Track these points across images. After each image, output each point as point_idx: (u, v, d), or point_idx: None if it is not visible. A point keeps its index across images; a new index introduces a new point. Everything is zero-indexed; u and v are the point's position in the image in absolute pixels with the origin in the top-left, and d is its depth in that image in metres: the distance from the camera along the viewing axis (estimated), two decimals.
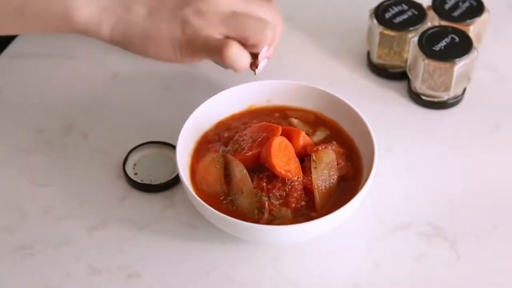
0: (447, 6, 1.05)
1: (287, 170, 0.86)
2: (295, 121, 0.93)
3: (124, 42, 0.77)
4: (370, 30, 1.05)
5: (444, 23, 1.03)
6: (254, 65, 0.96)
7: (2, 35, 0.78)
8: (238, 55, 0.76)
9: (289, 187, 0.86)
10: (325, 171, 0.87)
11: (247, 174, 0.86)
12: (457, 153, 0.98)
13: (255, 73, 0.93)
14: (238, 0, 0.75)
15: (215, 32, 0.75)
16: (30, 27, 0.76)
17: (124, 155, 0.95)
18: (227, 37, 0.77)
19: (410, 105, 1.03)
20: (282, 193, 0.86)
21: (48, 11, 0.73)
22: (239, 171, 0.86)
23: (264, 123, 0.91)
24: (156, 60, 0.78)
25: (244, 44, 0.77)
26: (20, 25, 0.76)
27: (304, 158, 0.88)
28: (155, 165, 0.96)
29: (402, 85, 1.05)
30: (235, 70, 0.77)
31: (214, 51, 0.75)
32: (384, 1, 1.05)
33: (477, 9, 1.05)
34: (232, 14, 0.75)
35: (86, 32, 0.76)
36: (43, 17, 0.74)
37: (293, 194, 0.86)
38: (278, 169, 0.85)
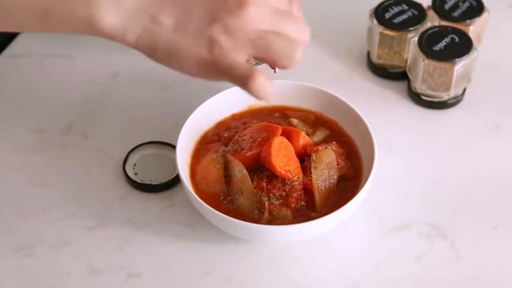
0: (447, 6, 1.05)
1: (287, 170, 0.86)
2: (295, 121, 0.93)
3: (149, 52, 0.74)
4: (370, 30, 1.05)
5: (444, 23, 1.04)
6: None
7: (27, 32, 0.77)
8: (263, 86, 0.72)
9: (289, 187, 0.86)
10: (325, 171, 0.87)
11: (247, 174, 0.86)
12: (457, 153, 0.98)
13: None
14: (269, 17, 0.72)
15: (242, 53, 0.72)
16: (55, 29, 0.75)
17: (124, 155, 0.96)
18: (255, 58, 0.74)
19: (410, 105, 1.03)
20: (282, 193, 0.86)
21: (73, 18, 0.71)
22: (239, 171, 0.86)
23: (264, 123, 0.91)
24: (180, 72, 0.76)
25: (273, 62, 0.74)
26: (45, 28, 0.74)
27: (304, 158, 0.88)
28: (155, 165, 0.96)
29: (402, 85, 1.05)
30: (257, 99, 0.74)
31: (239, 79, 0.72)
32: (384, 1, 1.05)
33: (477, 9, 1.05)
34: (262, 34, 0.72)
35: (111, 38, 0.74)
36: (67, 23, 0.72)
37: (293, 194, 0.86)
38: (278, 169, 0.85)
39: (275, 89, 0.73)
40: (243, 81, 0.71)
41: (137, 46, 0.74)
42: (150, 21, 0.72)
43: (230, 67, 0.71)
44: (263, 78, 0.72)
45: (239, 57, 0.72)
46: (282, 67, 0.74)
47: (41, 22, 0.73)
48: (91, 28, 0.73)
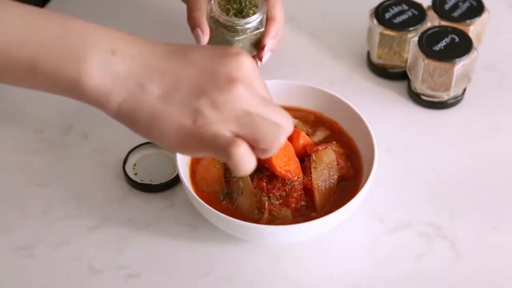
0: (447, 6, 1.05)
1: (287, 170, 0.86)
2: (295, 121, 0.93)
3: (130, 119, 0.73)
4: (370, 30, 1.05)
5: (444, 23, 1.03)
6: (258, 57, 0.97)
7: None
8: (245, 157, 0.70)
9: (289, 187, 0.86)
10: (325, 171, 0.87)
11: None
12: (457, 153, 0.98)
13: (261, 62, 0.94)
14: (256, 100, 0.72)
15: (226, 128, 0.71)
16: (39, 85, 0.73)
17: (124, 155, 0.96)
18: (238, 137, 0.72)
19: (410, 105, 1.03)
20: (282, 193, 0.86)
21: (59, 72, 0.70)
22: None
23: None
24: (158, 145, 0.74)
25: (253, 147, 0.72)
26: (29, 82, 0.73)
27: (304, 158, 0.88)
28: (155, 165, 0.96)
29: (402, 85, 1.05)
30: (237, 173, 0.71)
31: (220, 148, 0.70)
32: (384, 1, 1.05)
33: (477, 9, 1.05)
34: (247, 113, 0.71)
35: (93, 102, 0.73)
36: (53, 78, 0.70)
37: (293, 194, 0.86)
38: (278, 169, 0.85)
39: (254, 165, 0.71)
40: (225, 150, 0.70)
41: (118, 113, 0.72)
42: (136, 88, 0.71)
43: (212, 137, 0.70)
44: (246, 148, 0.70)
45: (223, 130, 0.71)
46: (263, 150, 0.72)
47: (27, 76, 0.71)
48: (75, 89, 0.71)
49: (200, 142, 0.71)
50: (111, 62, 0.70)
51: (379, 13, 1.03)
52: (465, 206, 0.92)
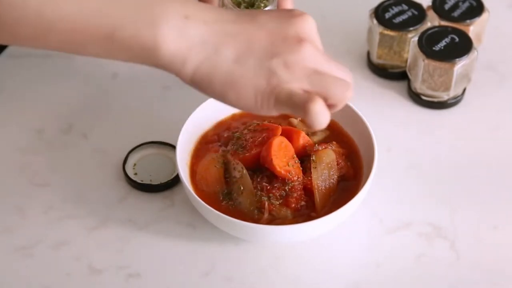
0: (447, 6, 1.05)
1: (287, 170, 0.86)
2: (295, 121, 0.93)
3: (205, 83, 0.74)
4: (370, 30, 1.05)
5: (444, 23, 1.03)
6: None
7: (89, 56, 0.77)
8: (321, 113, 0.73)
9: (289, 187, 0.86)
10: (325, 171, 0.87)
11: (247, 174, 0.86)
12: (457, 153, 0.98)
13: None
14: (322, 58, 0.74)
15: (299, 86, 0.73)
16: (117, 54, 0.74)
17: (124, 155, 0.96)
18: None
19: (410, 105, 1.03)
20: (282, 193, 0.86)
21: (137, 39, 0.71)
22: (239, 171, 0.86)
23: (264, 123, 0.91)
24: (233, 107, 0.76)
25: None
26: (107, 51, 0.74)
27: (304, 158, 0.88)
28: (155, 165, 0.96)
29: (402, 85, 1.05)
30: (313, 127, 0.74)
31: (298, 105, 0.73)
32: (384, 1, 1.05)
33: (477, 9, 1.05)
34: (317, 71, 0.74)
35: (169, 67, 0.74)
36: (130, 45, 0.72)
37: (293, 194, 0.86)
38: (278, 169, 0.85)
39: (328, 120, 0.74)
40: (303, 106, 0.72)
41: (193, 78, 0.74)
42: (212, 51, 0.72)
43: (289, 94, 0.73)
44: (323, 104, 0.73)
45: (297, 89, 0.73)
46: (332, 105, 0.75)
47: (105, 44, 0.73)
48: (152, 54, 0.73)
49: (276, 101, 0.73)
50: (185, 27, 0.72)
51: (379, 13, 1.03)
52: (465, 206, 0.92)
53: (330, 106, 0.75)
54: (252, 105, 0.74)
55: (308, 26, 0.75)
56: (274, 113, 0.75)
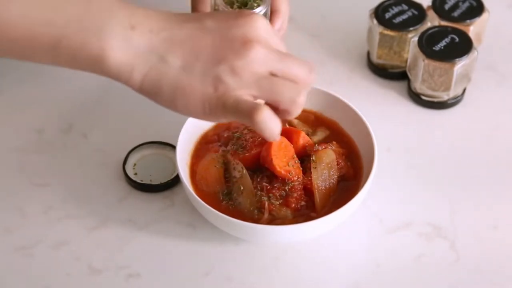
0: (447, 6, 1.05)
1: (287, 170, 0.86)
2: (295, 121, 0.93)
3: (154, 92, 0.74)
4: (370, 30, 1.05)
5: (444, 23, 1.04)
6: None
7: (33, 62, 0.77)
8: (268, 121, 0.72)
9: (289, 187, 0.86)
10: (325, 171, 0.87)
11: (247, 174, 0.86)
12: (457, 153, 0.98)
13: None
14: (274, 57, 0.73)
15: (247, 93, 0.72)
16: (64, 62, 0.74)
17: (124, 155, 0.95)
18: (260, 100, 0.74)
19: (410, 105, 1.03)
20: (282, 193, 0.86)
21: (83, 50, 0.71)
22: (239, 171, 0.86)
23: None
24: (183, 115, 0.76)
25: (275, 109, 0.74)
26: (55, 60, 0.73)
27: (304, 158, 0.88)
28: (155, 165, 0.96)
29: (402, 85, 1.05)
30: (265, 137, 0.74)
31: (244, 114, 0.72)
32: (384, 1, 1.05)
33: (477, 9, 1.05)
34: (267, 76, 0.73)
35: (117, 77, 0.74)
36: (77, 55, 0.72)
37: (293, 194, 0.86)
38: (278, 169, 0.85)
39: (280, 127, 0.73)
40: (248, 115, 0.71)
41: (142, 87, 0.74)
42: (158, 60, 0.72)
43: (235, 102, 0.72)
44: (269, 112, 0.72)
45: (244, 96, 0.72)
46: (284, 111, 0.74)
47: (51, 52, 0.72)
48: (98, 64, 0.72)
49: (223, 109, 0.72)
50: (131, 36, 0.71)
51: (379, 13, 1.03)
52: (465, 206, 0.92)
53: (283, 112, 0.74)
54: (200, 113, 0.74)
55: (256, 26, 0.73)
56: (224, 120, 0.75)
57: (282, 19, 0.95)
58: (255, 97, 0.73)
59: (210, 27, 0.73)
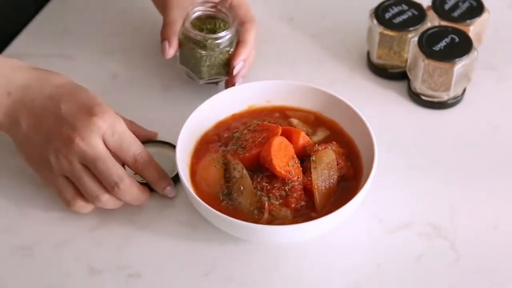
0: (447, 6, 1.05)
1: (287, 170, 0.86)
2: (295, 121, 0.93)
3: (13, 138, 0.90)
4: (370, 30, 1.05)
5: (444, 23, 1.04)
6: (229, 82, 0.97)
7: None
8: (81, 209, 0.89)
9: (289, 187, 0.86)
10: (325, 171, 0.87)
11: (247, 174, 0.86)
12: (457, 153, 0.98)
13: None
14: (90, 156, 0.85)
15: (64, 174, 0.87)
16: None
17: None
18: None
19: (410, 105, 1.03)
20: (282, 193, 0.86)
21: None
22: (239, 171, 0.86)
23: (264, 123, 0.91)
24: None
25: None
26: None
27: (304, 158, 0.88)
28: None
29: (402, 85, 1.05)
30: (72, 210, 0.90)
31: (64, 200, 0.89)
32: (384, 1, 1.05)
33: (477, 9, 1.05)
34: (80, 168, 0.86)
35: None
36: None
37: (293, 194, 0.86)
38: (278, 169, 0.85)
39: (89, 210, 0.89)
40: (65, 202, 0.88)
41: (6, 132, 0.90)
42: (13, 120, 0.87)
43: (58, 189, 0.88)
44: (82, 204, 0.88)
45: (62, 182, 0.88)
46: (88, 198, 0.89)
47: None
48: None
49: (53, 183, 0.88)
50: (5, 101, 0.87)
51: (379, 13, 1.03)
52: (465, 206, 0.92)
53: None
54: (37, 173, 0.90)
55: (93, 127, 0.85)
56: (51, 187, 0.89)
57: (247, 50, 0.97)
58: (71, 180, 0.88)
59: (63, 109, 0.86)
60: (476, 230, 0.90)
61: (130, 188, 0.86)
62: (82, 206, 0.88)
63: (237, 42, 0.98)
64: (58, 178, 0.87)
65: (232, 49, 0.97)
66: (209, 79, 1.00)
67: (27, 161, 0.90)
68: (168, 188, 0.90)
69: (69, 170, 0.86)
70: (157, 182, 0.90)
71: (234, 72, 0.97)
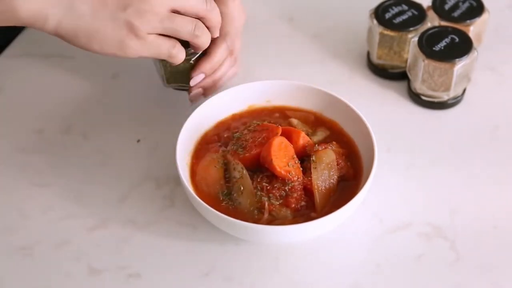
0: (447, 6, 1.05)
1: (287, 171, 0.86)
2: (295, 121, 0.93)
3: (69, 37, 0.82)
4: (370, 30, 1.05)
5: (444, 23, 1.04)
6: (189, 93, 0.95)
7: None
8: (177, 55, 0.86)
9: (289, 187, 0.86)
10: (325, 171, 0.87)
11: (247, 174, 0.86)
12: (457, 153, 0.98)
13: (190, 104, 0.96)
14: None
15: (154, 31, 0.84)
16: None
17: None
18: (165, 36, 0.86)
19: (410, 105, 1.03)
20: (282, 193, 0.86)
21: None
22: (239, 171, 0.86)
23: (264, 123, 0.91)
24: (99, 54, 0.84)
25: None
26: None
27: (304, 158, 0.88)
28: None
29: (402, 85, 1.05)
30: (173, 63, 0.88)
31: (162, 53, 0.86)
32: (384, 2, 1.05)
33: (477, 9, 1.05)
34: (168, 15, 0.83)
35: (32, 25, 0.80)
36: None
37: (293, 194, 0.86)
38: (278, 169, 0.85)
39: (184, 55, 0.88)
40: (166, 54, 0.85)
41: (57, 33, 0.81)
42: (67, 7, 0.79)
43: (155, 44, 0.84)
44: (180, 48, 0.86)
45: (152, 33, 0.83)
46: (194, 44, 0.88)
47: None
48: (12, 16, 0.78)
49: (136, 46, 0.84)
50: None
51: (379, 13, 1.03)
52: (465, 206, 0.92)
53: (193, 44, 0.88)
54: (116, 52, 0.83)
55: None
56: (140, 57, 0.85)
57: (209, 64, 0.94)
58: (162, 33, 0.84)
59: None
60: (476, 230, 0.90)
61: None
62: (181, 49, 0.87)
63: (203, 54, 0.94)
64: (147, 38, 0.84)
65: (194, 59, 0.94)
66: (176, 86, 0.97)
67: (99, 44, 0.83)
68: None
69: (157, 21, 0.83)
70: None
71: (191, 83, 0.94)
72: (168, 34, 0.85)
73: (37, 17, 0.79)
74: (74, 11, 0.80)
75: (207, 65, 0.94)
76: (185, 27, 0.85)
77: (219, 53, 0.94)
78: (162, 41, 0.85)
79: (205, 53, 0.94)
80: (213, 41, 0.93)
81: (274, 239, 0.88)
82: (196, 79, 0.94)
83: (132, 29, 0.82)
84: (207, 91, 0.96)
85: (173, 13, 0.84)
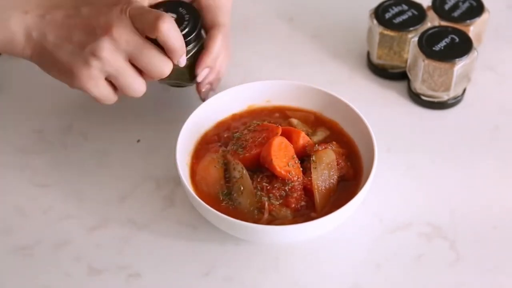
0: (447, 6, 1.05)
1: (287, 170, 0.86)
2: (295, 121, 0.93)
3: (40, 63, 0.88)
4: (370, 30, 1.05)
5: (444, 23, 1.04)
6: (198, 89, 0.95)
7: None
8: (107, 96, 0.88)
9: (289, 187, 0.86)
10: (325, 171, 0.87)
11: (247, 174, 0.86)
12: (457, 153, 0.98)
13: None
14: (130, 45, 0.84)
15: (105, 75, 0.86)
16: None
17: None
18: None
19: (410, 105, 1.03)
20: (282, 193, 0.86)
21: None
22: (239, 171, 0.86)
23: (264, 123, 0.91)
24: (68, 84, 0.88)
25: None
26: None
27: (304, 158, 0.88)
28: None
29: (402, 85, 1.05)
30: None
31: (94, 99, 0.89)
32: (384, 1, 1.05)
33: (477, 9, 1.05)
34: (123, 65, 0.85)
35: (11, 52, 0.87)
36: None
37: (293, 194, 0.86)
38: (278, 169, 0.85)
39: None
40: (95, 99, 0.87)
41: (32, 59, 0.87)
42: (39, 37, 0.85)
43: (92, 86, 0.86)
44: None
45: (101, 82, 0.86)
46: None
47: None
48: (10, 47, 0.86)
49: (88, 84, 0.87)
50: (25, 19, 0.85)
51: (379, 13, 1.03)
52: (465, 206, 0.92)
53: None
54: (73, 83, 0.87)
55: (120, 15, 0.83)
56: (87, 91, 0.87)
57: (210, 58, 0.94)
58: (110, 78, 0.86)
59: (84, 13, 0.85)
60: (476, 230, 0.90)
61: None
62: (111, 94, 0.88)
63: (201, 49, 0.94)
64: (99, 78, 0.86)
65: (189, 55, 0.93)
66: (171, 83, 0.98)
67: (59, 73, 0.88)
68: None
69: (111, 67, 0.85)
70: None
71: (198, 79, 0.94)
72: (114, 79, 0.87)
73: (14, 44, 0.86)
74: (44, 41, 0.86)
75: (208, 59, 0.94)
76: (131, 85, 0.87)
77: (217, 45, 0.94)
78: (106, 87, 0.87)
79: (202, 48, 0.94)
80: (209, 34, 0.93)
81: (274, 239, 0.88)
82: (203, 73, 0.94)
83: (88, 66, 0.84)
84: (213, 84, 0.96)
85: (128, 63, 0.86)
